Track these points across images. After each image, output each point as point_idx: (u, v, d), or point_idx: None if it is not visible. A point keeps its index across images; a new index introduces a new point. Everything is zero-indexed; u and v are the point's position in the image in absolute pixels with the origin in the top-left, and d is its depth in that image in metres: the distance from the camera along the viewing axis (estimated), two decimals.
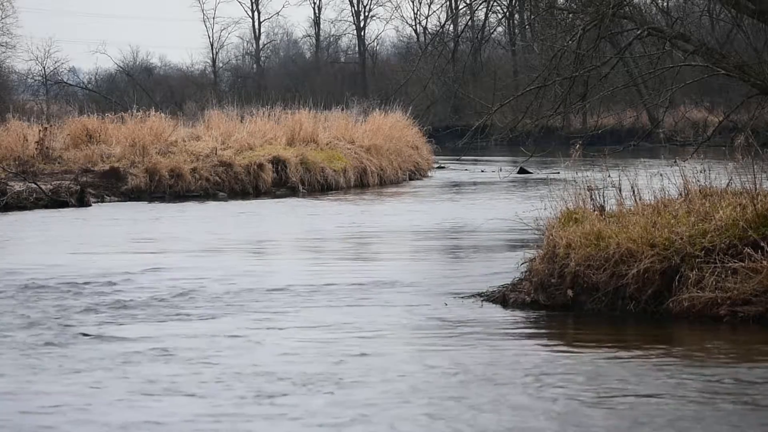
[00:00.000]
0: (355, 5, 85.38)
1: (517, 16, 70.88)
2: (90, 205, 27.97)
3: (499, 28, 78.08)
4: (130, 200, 29.49)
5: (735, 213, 12.11)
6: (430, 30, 76.49)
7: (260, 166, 32.60)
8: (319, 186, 33.78)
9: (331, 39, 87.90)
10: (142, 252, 19.15)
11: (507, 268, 14.19)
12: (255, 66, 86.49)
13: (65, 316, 12.59)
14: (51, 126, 33.85)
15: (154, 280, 15.26)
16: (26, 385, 9.57)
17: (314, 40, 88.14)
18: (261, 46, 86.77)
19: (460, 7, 55.99)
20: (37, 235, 21.74)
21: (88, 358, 10.48)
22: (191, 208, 27.84)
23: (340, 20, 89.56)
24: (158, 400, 9.03)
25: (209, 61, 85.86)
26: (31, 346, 11.06)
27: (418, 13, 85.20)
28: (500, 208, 25.27)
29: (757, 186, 12.74)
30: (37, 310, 12.98)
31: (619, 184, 13.96)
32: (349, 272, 16.02)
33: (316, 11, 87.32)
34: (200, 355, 10.60)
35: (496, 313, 12.65)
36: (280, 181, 33.00)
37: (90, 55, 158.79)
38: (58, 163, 31.78)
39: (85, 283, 14.89)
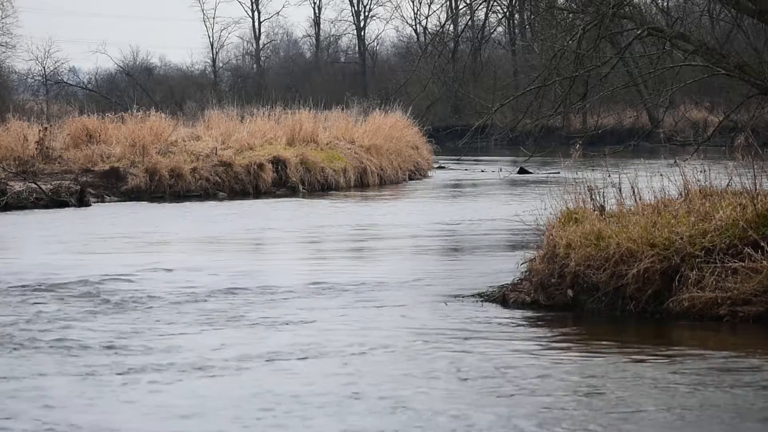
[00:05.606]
0: (355, 5, 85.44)
1: (517, 16, 70.90)
2: (90, 205, 27.96)
3: (499, 28, 78.12)
4: (130, 200, 29.49)
5: (735, 213, 12.12)
6: (430, 30, 76.46)
7: (260, 166, 32.60)
8: (319, 186, 33.78)
9: (331, 39, 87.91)
10: (142, 252, 19.16)
11: (507, 268, 14.19)
12: (255, 66, 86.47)
13: (65, 317, 12.59)
14: (51, 126, 33.83)
15: (154, 280, 15.26)
16: (24, 384, 9.58)
17: (314, 40, 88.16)
18: (261, 46, 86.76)
19: (460, 7, 55.96)
20: (37, 235, 21.74)
21: (85, 358, 10.48)
22: (191, 208, 27.84)
23: (340, 20, 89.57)
24: (156, 399, 9.03)
25: (209, 61, 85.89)
26: (29, 346, 11.05)
27: (418, 13, 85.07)
28: (500, 208, 25.27)
29: (757, 186, 12.75)
30: (37, 311, 12.97)
31: (619, 184, 13.96)
32: (348, 272, 16.02)
33: (316, 11, 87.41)
34: (199, 354, 10.60)
35: (496, 313, 12.65)
36: (280, 181, 32.99)
37: (90, 55, 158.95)
38: (58, 163, 31.75)
39: (85, 283, 14.88)
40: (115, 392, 9.25)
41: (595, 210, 13.56)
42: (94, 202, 28.56)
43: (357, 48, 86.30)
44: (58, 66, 75.35)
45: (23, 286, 14.75)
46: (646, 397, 8.86)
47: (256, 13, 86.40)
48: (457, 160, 46.81)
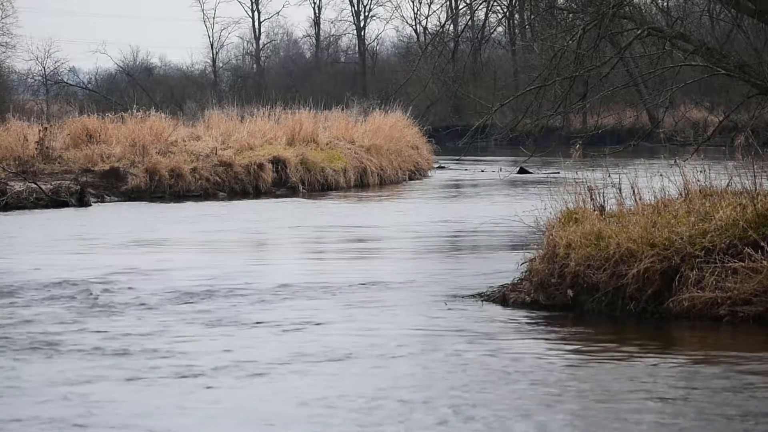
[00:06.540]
0: (355, 5, 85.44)
1: (517, 16, 70.92)
2: (90, 205, 27.97)
3: (499, 28, 78.16)
4: (130, 200, 29.50)
5: (735, 213, 12.12)
6: (430, 30, 76.44)
7: (260, 166, 32.60)
8: (319, 186, 33.79)
9: (331, 39, 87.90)
10: (142, 252, 19.15)
11: (507, 268, 14.19)
12: (255, 66, 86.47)
13: (65, 317, 12.59)
14: (51, 126, 33.85)
15: (154, 280, 15.26)
16: (22, 385, 9.58)
17: (314, 40, 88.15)
18: (261, 46, 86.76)
19: (460, 7, 55.99)
20: (37, 235, 21.74)
21: (85, 359, 10.48)
22: (191, 208, 27.84)
23: (340, 20, 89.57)
24: (157, 399, 9.04)
25: (209, 61, 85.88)
26: (30, 346, 11.05)
27: (418, 13, 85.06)
28: (500, 208, 25.26)
29: (757, 186, 12.75)
30: (37, 311, 12.97)
31: (619, 184, 13.96)
32: (348, 272, 16.02)
33: (316, 11, 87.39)
34: (199, 355, 10.61)
35: (496, 313, 12.65)
36: (280, 181, 33.01)
37: (90, 55, 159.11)
38: (58, 163, 31.76)
39: (85, 283, 14.89)
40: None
41: (595, 210, 13.56)
42: (94, 202, 28.57)
43: (357, 48, 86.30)
44: (58, 66, 75.37)
45: (24, 286, 14.75)
46: (646, 398, 8.86)
47: (256, 13, 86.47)
48: (457, 160, 46.78)
